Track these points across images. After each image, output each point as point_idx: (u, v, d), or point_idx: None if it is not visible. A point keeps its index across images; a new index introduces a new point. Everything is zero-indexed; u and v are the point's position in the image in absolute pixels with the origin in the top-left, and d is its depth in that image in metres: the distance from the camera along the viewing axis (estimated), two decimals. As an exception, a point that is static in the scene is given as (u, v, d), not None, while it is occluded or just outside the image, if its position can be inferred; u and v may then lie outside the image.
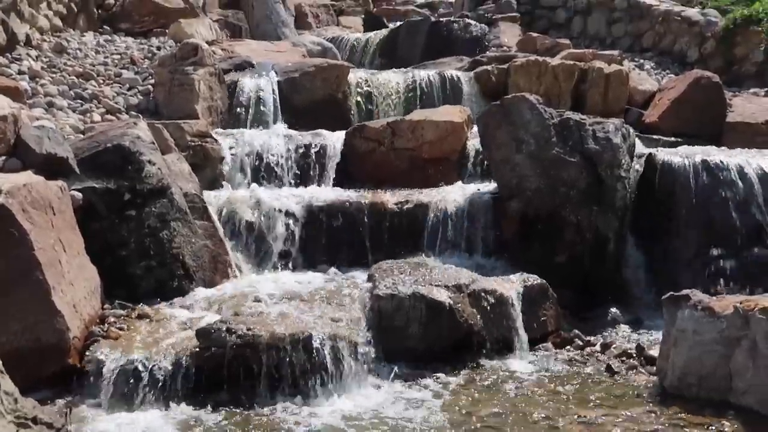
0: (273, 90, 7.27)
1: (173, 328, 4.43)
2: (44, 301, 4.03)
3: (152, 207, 5.02)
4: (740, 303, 4.02)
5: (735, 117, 7.64)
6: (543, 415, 3.88)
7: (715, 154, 5.96)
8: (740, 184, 5.64)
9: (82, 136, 5.67)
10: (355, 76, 7.96)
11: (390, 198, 5.88)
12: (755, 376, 3.85)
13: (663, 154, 5.94)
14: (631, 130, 5.95)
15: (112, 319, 4.50)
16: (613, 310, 5.42)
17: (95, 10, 9.01)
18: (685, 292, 4.28)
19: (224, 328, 4.12)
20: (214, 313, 4.59)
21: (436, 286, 4.79)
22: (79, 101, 6.61)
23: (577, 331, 5.11)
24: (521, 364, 4.66)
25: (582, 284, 5.53)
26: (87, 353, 4.13)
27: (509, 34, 10.84)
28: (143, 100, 6.97)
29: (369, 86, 7.87)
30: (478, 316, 4.76)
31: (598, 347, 4.90)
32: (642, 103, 8.18)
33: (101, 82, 7.13)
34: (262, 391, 4.03)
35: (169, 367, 4.02)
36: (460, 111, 6.95)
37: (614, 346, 4.88)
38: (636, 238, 5.77)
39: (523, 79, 8.00)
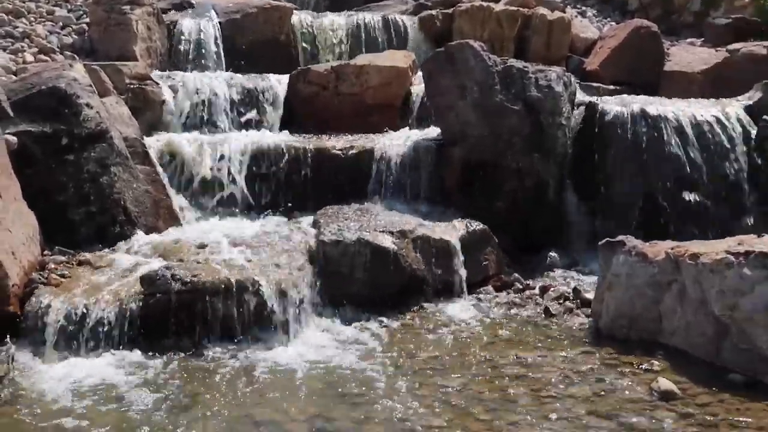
0: (214, 31, 7.10)
1: (116, 274, 4.39)
2: (-19, 248, 3.94)
3: (91, 152, 4.91)
4: (671, 249, 4.19)
5: (672, 66, 7.81)
6: (483, 357, 4.02)
7: (652, 104, 6.10)
8: (675, 133, 5.79)
9: (14, 77, 5.48)
10: (299, 17, 7.83)
11: (334, 143, 5.87)
12: (682, 318, 4.05)
13: (602, 103, 6.05)
14: (573, 79, 6.04)
15: (53, 266, 4.43)
16: (552, 254, 5.58)
17: (24, -58, 8.57)
18: (620, 238, 4.44)
19: (169, 275, 4.12)
20: (158, 259, 4.56)
21: (380, 231, 4.85)
22: (10, 40, 6.36)
23: (516, 275, 5.26)
24: (463, 307, 4.78)
25: (522, 229, 5.66)
26: (28, 301, 4.07)
27: (454, -23, 10.75)
28: (78, 40, 6.74)
29: (312, 29, 7.75)
30: (422, 261, 4.85)
31: (536, 290, 5.06)
32: (583, 51, 8.29)
33: (33, 20, 6.86)
34: (207, 337, 4.06)
35: (113, 314, 4.00)
36: (405, 56, 6.94)
37: (552, 289, 5.04)
38: (575, 185, 5.90)
39: (467, 25, 8.00)
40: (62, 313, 3.94)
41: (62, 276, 4.31)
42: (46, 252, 4.58)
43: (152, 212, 5.10)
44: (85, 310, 3.96)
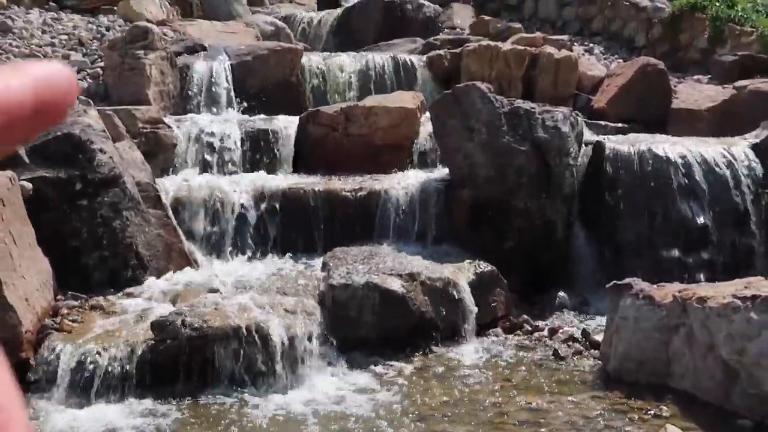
0: (225, 74, 7.23)
1: (128, 319, 4.44)
2: (-4, 295, 4.00)
3: (104, 196, 5.00)
4: (679, 292, 4.20)
5: (679, 104, 7.85)
6: (492, 402, 4.03)
7: (660, 143, 6.14)
8: (682, 172, 5.83)
9: (30, 123, 5.58)
10: (309, 59, 7.95)
11: (343, 185, 5.94)
12: (691, 362, 4.05)
13: (610, 143, 6.10)
14: (580, 119, 6.09)
15: (66, 311, 4.49)
16: (561, 294, 5.59)
17: (41, -13, 8.79)
18: (627, 280, 4.46)
19: (179, 320, 4.16)
20: (169, 304, 4.61)
21: (389, 274, 4.89)
22: (27, 85, 6.48)
23: (526, 316, 5.27)
24: (472, 350, 4.80)
25: (531, 269, 5.68)
26: (41, 347, 4.12)
27: (462, 16, 10.92)
28: (92, 84, 6.88)
29: (323, 70, 7.88)
30: (430, 304, 4.87)
31: (545, 332, 5.07)
32: (591, 89, 8.35)
33: (49, 64, 7.00)
34: (218, 383, 4.09)
35: (125, 360, 4.05)
36: (413, 97, 7.01)
37: (561, 330, 5.05)
38: (583, 225, 5.93)
39: (475, 64, 8.09)
40: (74, 359, 3.99)
41: (74, 321, 4.37)
42: (59, 297, 4.65)
43: (164, 256, 5.17)
44: (96, 357, 4.01)
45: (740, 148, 6.04)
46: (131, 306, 4.62)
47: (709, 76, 8.56)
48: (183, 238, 5.38)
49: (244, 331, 4.17)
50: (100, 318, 4.47)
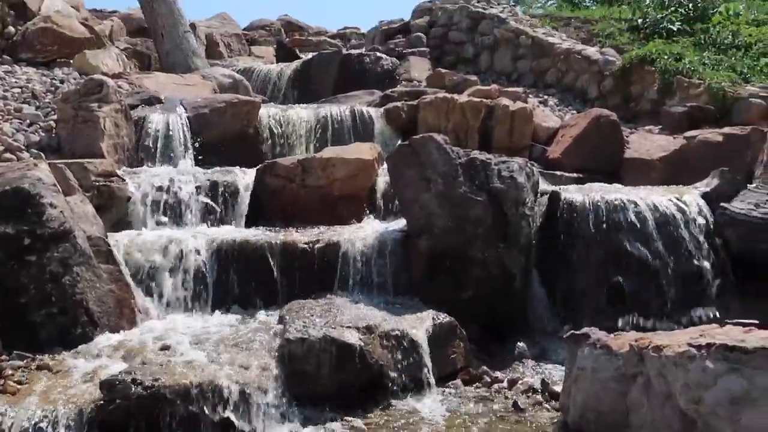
0: (182, 126, 7.20)
1: (76, 379, 4.29)
2: (-65, 356, 3.84)
3: (54, 252, 4.87)
4: (636, 341, 4.20)
5: (632, 153, 8.03)
6: (451, 457, 3.96)
7: (613, 192, 6.24)
8: (635, 220, 5.91)
9: (-22, 177, 5.45)
10: (267, 111, 7.97)
11: (301, 237, 5.89)
12: (649, 412, 4.03)
13: (565, 193, 6.18)
14: (535, 169, 6.17)
15: (10, 372, 4.32)
16: (520, 344, 5.57)
17: (-6, 40, 8.72)
18: (584, 330, 4.45)
19: (129, 379, 4.03)
20: (121, 362, 4.48)
21: (346, 327, 4.82)
22: (-24, 138, 6.37)
23: (485, 368, 5.23)
24: (431, 403, 4.72)
25: (489, 319, 5.67)
26: (-18, 410, 3.95)
27: (419, 68, 11.09)
28: (45, 137, 6.78)
29: (280, 122, 7.89)
30: (389, 357, 4.81)
31: (505, 383, 5.02)
32: (546, 139, 8.50)
33: (0, 117, 6.90)
34: (169, 444, 3.96)
35: (72, 421, 3.90)
36: (371, 148, 7.06)
37: (521, 381, 5.01)
38: (541, 274, 5.95)
39: (432, 116, 8.19)
40: (18, 423, 3.82)
41: (19, 383, 4.20)
42: (3, 357, 4.48)
43: (115, 312, 5.03)
44: (41, 421, 3.84)
45: (692, 197, 6.16)
46: (80, 365, 4.46)
47: (660, 126, 8.78)
48: (136, 293, 5.25)
49: (197, 389, 4.05)
50: (46, 378, 4.30)
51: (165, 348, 4.59)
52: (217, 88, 9.12)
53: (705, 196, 6.17)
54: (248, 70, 11.05)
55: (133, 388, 3.98)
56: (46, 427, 3.83)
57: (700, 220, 5.96)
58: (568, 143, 8.07)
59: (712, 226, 5.93)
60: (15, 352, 4.52)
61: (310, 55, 11.58)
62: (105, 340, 4.80)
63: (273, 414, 4.27)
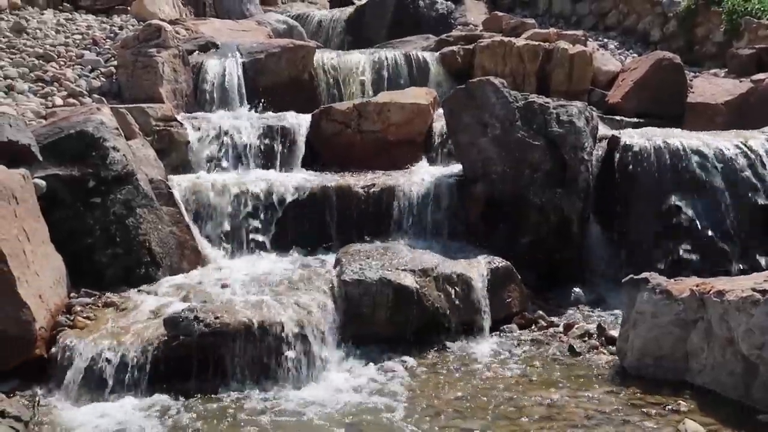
0: (238, 72, 7.22)
1: (141, 316, 4.43)
2: (9, 292, 3.99)
3: (117, 194, 4.99)
4: (696, 286, 4.14)
5: (696, 98, 7.78)
6: (507, 397, 3.98)
7: (675, 137, 6.07)
8: (698, 165, 5.75)
9: (43, 121, 5.61)
10: (322, 56, 7.94)
11: (357, 181, 5.90)
12: (710, 356, 3.98)
13: (624, 137, 6.04)
14: (594, 113, 6.03)
15: (79, 308, 4.48)
16: (576, 290, 5.54)
17: (55, -13, 8.85)
18: (644, 275, 4.40)
19: (192, 317, 4.14)
20: (182, 301, 4.60)
21: (402, 270, 4.85)
22: (41, 84, 6.52)
23: (541, 312, 5.22)
24: (487, 345, 4.75)
25: (546, 265, 5.63)
26: (54, 344, 4.12)
27: (475, 12, 10.89)
28: (106, 83, 6.89)
29: (335, 67, 7.86)
30: (444, 300, 4.84)
31: (561, 328, 5.01)
32: (605, 84, 8.29)
33: (62, 63, 7.03)
34: (230, 379, 4.07)
35: (138, 356, 4.03)
36: (426, 93, 6.98)
37: (577, 326, 4.99)
38: (599, 219, 5.86)
39: (488, 60, 8.05)
40: (87, 356, 3.99)
41: (88, 318, 4.37)
42: (72, 294, 4.64)
43: (177, 253, 5.16)
44: (109, 354, 4.00)
45: (758, 141, 5.95)
46: (144, 303, 4.60)
47: (726, 69, 8.46)
48: (196, 234, 5.36)
49: (257, 326, 4.14)
50: (113, 315, 4.46)
51: (225, 287, 4.70)
52: (271, 33, 9.11)
53: (772, 140, 5.96)
54: (302, 16, 10.98)
55: (195, 326, 4.10)
56: (114, 360, 3.98)
57: (766, 164, 5.75)
58: (629, 87, 7.86)
59: (779, 172, 5.73)
60: (83, 289, 4.68)
61: (364, 0, 11.42)
62: (167, 279, 4.94)
63: (331, 352, 4.35)
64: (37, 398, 3.83)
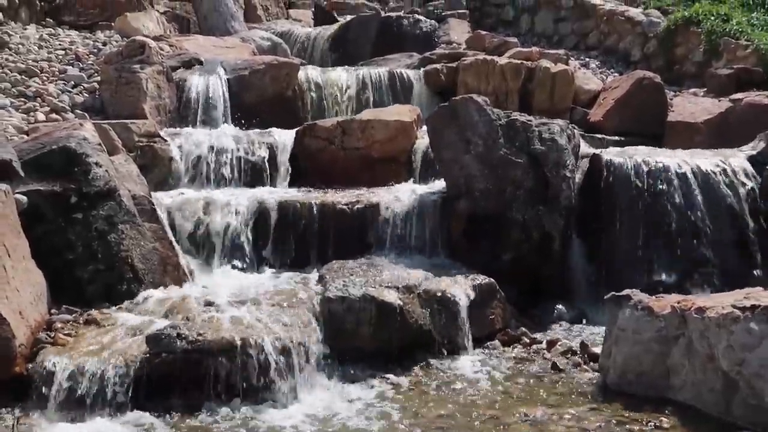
0: (222, 88, 7.23)
1: (122, 333, 4.39)
2: (-11, 308, 3.96)
3: (99, 210, 4.96)
4: (678, 303, 4.18)
5: (676, 117, 7.87)
6: (490, 415, 3.98)
7: (656, 155, 6.14)
8: (678, 184, 5.82)
9: (26, 137, 5.58)
10: (306, 73, 7.97)
11: (340, 198, 5.91)
12: (690, 373, 4.01)
13: (606, 155, 6.10)
14: (576, 131, 6.10)
15: (59, 325, 4.44)
16: (559, 306, 5.57)
17: (38, 2, 8.83)
18: (625, 292, 4.43)
19: (174, 334, 4.12)
20: (164, 318, 4.56)
21: (386, 287, 4.86)
22: (23, 99, 6.49)
23: (524, 329, 5.23)
24: (470, 363, 4.75)
25: (528, 282, 5.66)
26: (34, 361, 4.07)
27: (458, 31, 10.97)
28: (89, 98, 6.87)
29: (320, 84, 7.89)
30: (428, 317, 4.84)
31: (544, 344, 5.03)
32: (587, 102, 8.38)
33: (45, 79, 7.01)
34: (213, 397, 4.04)
35: (120, 374, 4.00)
36: (410, 110, 7.02)
37: (559, 343, 5.01)
38: (580, 237, 5.91)
39: (471, 78, 8.12)
40: (67, 373, 3.94)
41: (68, 335, 4.32)
42: (53, 311, 4.60)
43: (159, 270, 5.13)
44: (90, 371, 3.95)
45: (738, 160, 6.03)
46: (126, 320, 4.56)
47: (705, 89, 8.58)
48: (179, 251, 5.34)
49: (239, 344, 4.12)
50: (94, 332, 4.41)
51: (208, 305, 4.68)
52: (256, 50, 9.13)
53: (751, 159, 6.04)
54: (286, 33, 11.02)
55: (178, 343, 4.07)
56: (95, 378, 3.93)
57: (747, 184, 5.83)
58: (610, 106, 7.94)
59: (758, 190, 5.80)
60: (64, 306, 4.64)
61: (348, 18, 11.50)
62: (149, 296, 4.89)
63: (313, 370, 4.33)
64: (16, 417, 3.78)
